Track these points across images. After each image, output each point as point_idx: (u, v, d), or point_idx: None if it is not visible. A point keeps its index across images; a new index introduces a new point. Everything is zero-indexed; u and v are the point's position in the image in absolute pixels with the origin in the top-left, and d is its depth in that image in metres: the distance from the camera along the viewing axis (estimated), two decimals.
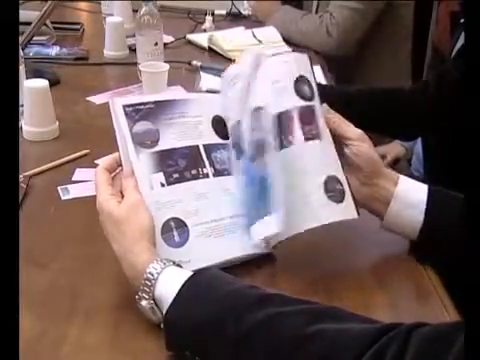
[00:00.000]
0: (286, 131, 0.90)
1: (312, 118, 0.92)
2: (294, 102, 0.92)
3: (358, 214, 0.90)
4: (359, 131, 0.94)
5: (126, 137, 0.89)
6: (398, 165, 1.99)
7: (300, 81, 0.93)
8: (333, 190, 0.89)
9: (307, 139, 0.90)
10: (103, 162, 0.90)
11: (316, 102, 0.93)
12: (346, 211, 0.90)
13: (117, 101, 0.90)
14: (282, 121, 0.91)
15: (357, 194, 0.92)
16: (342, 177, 0.91)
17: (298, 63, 0.95)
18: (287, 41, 2.07)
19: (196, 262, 0.86)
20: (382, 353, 0.62)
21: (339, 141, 0.93)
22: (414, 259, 0.96)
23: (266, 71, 0.93)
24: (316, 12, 2.22)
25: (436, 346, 0.60)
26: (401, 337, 0.62)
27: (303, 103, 0.92)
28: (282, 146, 0.90)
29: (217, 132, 0.96)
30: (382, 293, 0.90)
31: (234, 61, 1.72)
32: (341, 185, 0.90)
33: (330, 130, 0.93)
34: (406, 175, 0.96)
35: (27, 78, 1.36)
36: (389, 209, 0.93)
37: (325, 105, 0.95)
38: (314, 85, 0.94)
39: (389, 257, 0.97)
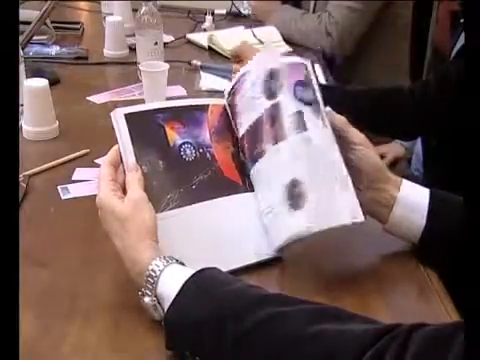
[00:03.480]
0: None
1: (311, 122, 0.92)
2: (291, 105, 0.92)
3: (365, 217, 0.90)
4: (362, 136, 0.93)
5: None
6: (398, 165, 1.99)
7: (300, 85, 0.94)
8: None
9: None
10: (108, 156, 0.88)
11: (318, 105, 0.93)
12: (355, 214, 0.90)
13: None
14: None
15: (360, 198, 0.91)
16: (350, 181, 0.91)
17: (299, 67, 0.96)
18: (287, 40, 2.08)
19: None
20: (382, 354, 0.62)
21: (344, 145, 0.93)
22: (414, 260, 0.96)
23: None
24: (313, 11, 2.22)
25: (436, 346, 0.60)
26: (401, 337, 0.62)
27: (302, 107, 0.92)
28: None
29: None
30: (382, 294, 0.90)
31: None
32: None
33: (334, 133, 0.93)
34: (406, 175, 0.96)
35: (27, 77, 1.36)
36: (392, 214, 0.92)
37: (328, 108, 0.94)
38: (317, 88, 0.94)
39: (389, 258, 0.97)
